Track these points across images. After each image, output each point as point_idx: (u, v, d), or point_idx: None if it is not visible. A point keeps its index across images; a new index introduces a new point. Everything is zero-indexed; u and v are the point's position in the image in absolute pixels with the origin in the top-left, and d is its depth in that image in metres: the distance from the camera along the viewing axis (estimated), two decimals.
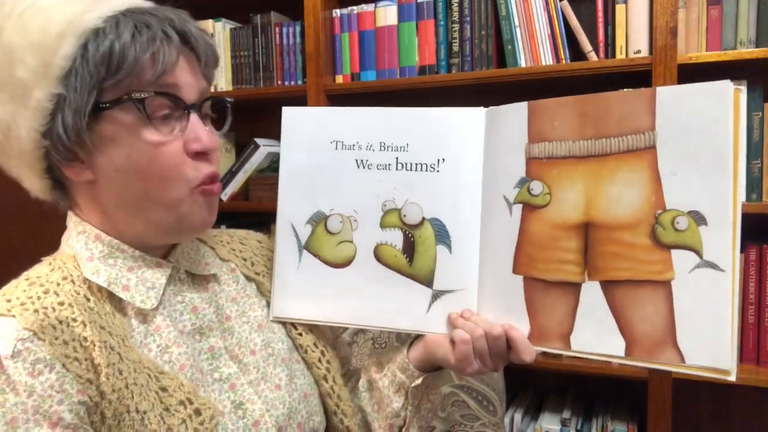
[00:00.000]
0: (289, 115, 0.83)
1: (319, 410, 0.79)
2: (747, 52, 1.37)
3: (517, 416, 1.63)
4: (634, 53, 1.46)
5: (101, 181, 0.66)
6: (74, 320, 0.62)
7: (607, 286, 0.68)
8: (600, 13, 1.52)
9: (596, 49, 1.53)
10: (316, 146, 0.81)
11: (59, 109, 0.62)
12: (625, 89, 1.45)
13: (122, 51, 0.61)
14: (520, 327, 0.73)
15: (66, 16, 0.62)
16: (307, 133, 0.82)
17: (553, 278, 0.71)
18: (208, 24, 1.87)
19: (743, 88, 0.62)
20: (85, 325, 0.62)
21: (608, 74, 1.49)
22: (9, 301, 0.61)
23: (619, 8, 1.48)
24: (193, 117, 0.67)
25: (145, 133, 0.64)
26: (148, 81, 0.63)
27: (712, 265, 0.63)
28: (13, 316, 0.60)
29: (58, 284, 0.64)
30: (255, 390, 0.72)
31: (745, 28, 1.41)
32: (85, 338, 0.61)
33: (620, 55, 1.48)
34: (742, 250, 1.41)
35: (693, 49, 1.45)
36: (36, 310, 0.61)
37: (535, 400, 1.76)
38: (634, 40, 1.46)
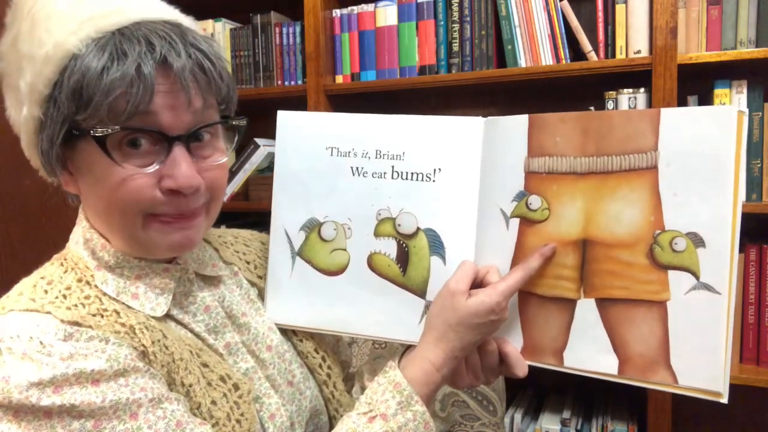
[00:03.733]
0: (285, 119, 0.81)
1: (325, 411, 0.80)
2: (747, 52, 1.37)
3: (517, 416, 1.63)
4: (634, 53, 1.46)
5: (83, 196, 0.67)
6: (105, 310, 0.63)
7: (603, 303, 0.68)
8: (600, 13, 1.52)
9: (596, 49, 1.52)
10: (312, 152, 0.80)
11: (40, 131, 0.63)
12: (626, 89, 1.45)
13: (90, 86, 0.58)
14: (513, 341, 0.73)
15: (56, 35, 0.59)
16: (303, 138, 0.80)
17: (549, 294, 0.71)
18: (208, 24, 1.87)
19: (746, 111, 0.63)
20: (118, 314, 0.63)
21: (608, 74, 1.48)
22: (34, 300, 0.61)
23: (619, 8, 1.47)
24: (176, 150, 0.62)
25: (110, 169, 0.61)
26: (120, 116, 0.58)
27: (709, 288, 0.63)
28: (48, 312, 0.60)
29: (76, 285, 0.65)
30: (272, 384, 0.73)
31: (745, 28, 1.41)
32: (123, 324, 0.62)
33: (620, 55, 1.48)
34: (741, 250, 1.41)
35: (693, 49, 1.45)
36: (68, 308, 0.61)
37: (535, 400, 1.76)
38: (634, 40, 1.46)
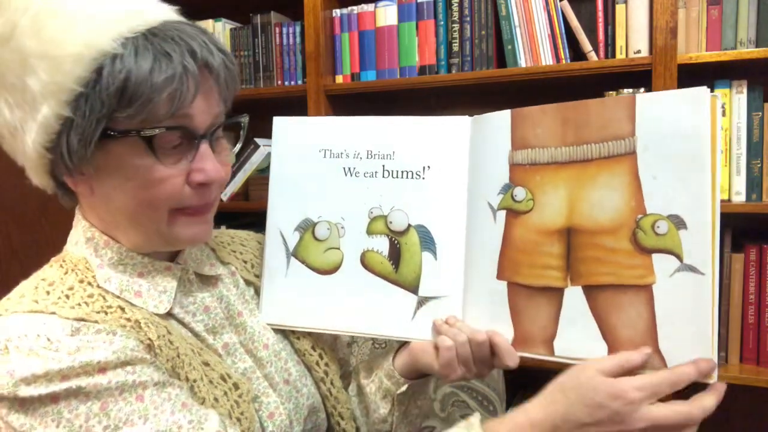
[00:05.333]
0: (280, 124, 0.84)
1: (322, 408, 0.80)
2: (747, 52, 1.37)
3: None
4: (634, 53, 1.46)
5: (98, 194, 0.66)
6: (110, 307, 0.63)
7: (590, 291, 0.68)
8: (600, 13, 1.52)
9: (596, 49, 1.52)
10: (305, 155, 0.82)
11: (66, 130, 0.60)
12: (626, 89, 1.45)
13: (138, 85, 0.58)
14: (504, 332, 0.73)
15: (85, 36, 0.58)
16: (297, 142, 0.83)
17: (537, 284, 0.71)
18: (209, 24, 1.87)
19: (719, 95, 0.64)
20: (123, 310, 0.63)
21: (608, 74, 1.48)
22: (37, 302, 0.61)
23: (619, 8, 1.47)
24: (203, 147, 0.64)
25: (151, 167, 0.62)
26: (161, 116, 0.60)
27: (693, 269, 0.64)
28: (53, 312, 0.60)
29: (78, 285, 0.65)
30: (269, 383, 0.74)
31: (745, 28, 1.40)
32: (129, 318, 0.63)
33: (620, 55, 1.48)
34: (741, 251, 1.41)
35: (693, 49, 1.45)
36: (72, 306, 0.61)
37: None
38: (634, 40, 1.46)
